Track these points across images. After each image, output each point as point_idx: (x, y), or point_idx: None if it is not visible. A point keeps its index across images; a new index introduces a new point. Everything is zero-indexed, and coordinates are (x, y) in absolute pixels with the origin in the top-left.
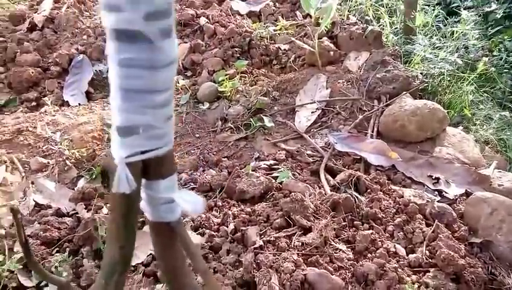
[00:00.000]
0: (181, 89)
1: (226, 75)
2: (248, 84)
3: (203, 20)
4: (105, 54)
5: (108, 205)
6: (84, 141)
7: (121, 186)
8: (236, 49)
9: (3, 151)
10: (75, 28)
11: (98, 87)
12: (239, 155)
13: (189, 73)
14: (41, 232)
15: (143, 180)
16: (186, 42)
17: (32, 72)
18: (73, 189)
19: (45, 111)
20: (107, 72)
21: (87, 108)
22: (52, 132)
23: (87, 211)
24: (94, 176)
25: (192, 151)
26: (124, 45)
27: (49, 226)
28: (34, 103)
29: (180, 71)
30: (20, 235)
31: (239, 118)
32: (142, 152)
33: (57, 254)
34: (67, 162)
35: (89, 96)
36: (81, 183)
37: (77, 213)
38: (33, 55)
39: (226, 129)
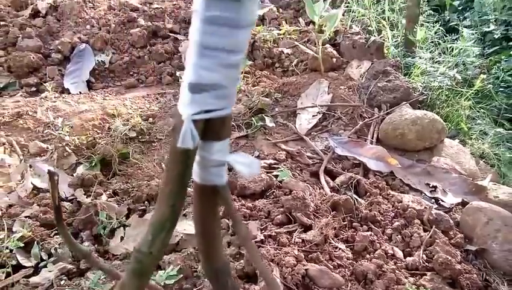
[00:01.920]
0: None
1: None
2: (250, 85)
3: None
4: (107, 45)
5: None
6: (85, 128)
7: (186, 142)
8: None
9: (2, 134)
10: (79, 18)
11: (99, 77)
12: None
13: None
14: (41, 214)
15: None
16: None
17: (33, 58)
18: (72, 175)
19: (46, 97)
20: (109, 62)
21: (88, 97)
22: (54, 118)
23: (87, 197)
24: (93, 164)
25: None
26: (213, 1)
27: (49, 209)
28: (33, 88)
29: (183, 67)
30: (54, 198)
31: (240, 117)
32: (208, 111)
33: (57, 237)
34: (66, 148)
35: (89, 85)
36: (80, 170)
37: (76, 198)
38: (35, 41)
39: None
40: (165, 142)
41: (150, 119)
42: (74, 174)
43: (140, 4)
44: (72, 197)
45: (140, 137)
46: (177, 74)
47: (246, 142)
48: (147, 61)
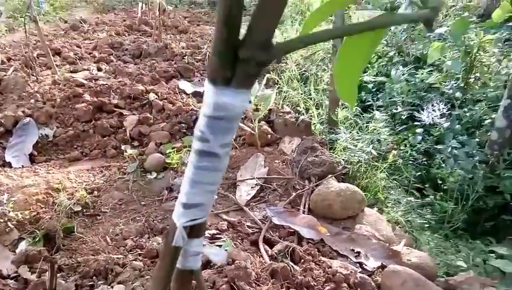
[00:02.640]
0: (128, 157)
1: (174, 148)
2: None
3: (152, 96)
4: (52, 119)
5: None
6: (28, 203)
7: (178, 241)
8: (183, 124)
9: None
10: (23, 92)
11: (42, 150)
12: None
13: (136, 143)
14: None
15: None
16: (135, 114)
17: None
18: (14, 252)
19: None
20: (53, 136)
21: (32, 170)
22: None
23: (31, 274)
24: (37, 239)
25: (138, 218)
26: (203, 158)
27: None
28: None
29: (127, 140)
30: (51, 284)
31: None
32: (193, 219)
33: None
34: (8, 223)
35: (32, 158)
36: (23, 245)
37: (19, 276)
38: None
39: (172, 198)
40: (110, 215)
41: (95, 193)
42: (16, 251)
43: (86, 80)
44: (15, 275)
45: (85, 211)
46: (122, 147)
47: None
48: (91, 134)
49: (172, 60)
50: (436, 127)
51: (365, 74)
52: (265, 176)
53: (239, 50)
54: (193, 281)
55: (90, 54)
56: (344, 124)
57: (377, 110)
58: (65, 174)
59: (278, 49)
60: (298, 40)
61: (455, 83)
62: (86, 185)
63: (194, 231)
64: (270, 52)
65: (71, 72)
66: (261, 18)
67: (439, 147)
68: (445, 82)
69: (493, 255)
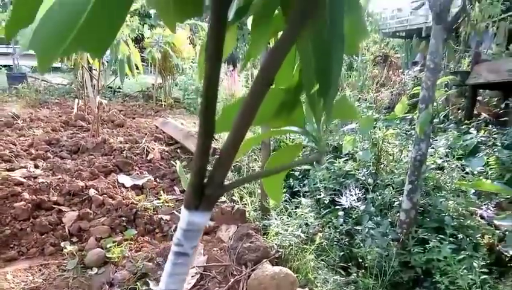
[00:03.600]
0: (67, 254)
1: (114, 242)
2: (134, 251)
3: (92, 192)
4: None
5: None
6: None
7: None
8: (123, 218)
9: None
10: None
11: None
12: None
13: (75, 239)
14: None
15: None
16: (74, 210)
17: None
18: None
19: None
20: None
21: None
22: None
23: None
24: None
25: None
26: (179, 257)
27: None
28: None
29: (66, 237)
30: None
31: (125, 282)
32: None
33: None
34: None
35: None
36: None
37: None
38: None
39: None
40: None
41: None
42: None
43: (24, 178)
44: None
45: None
46: (62, 244)
47: None
48: (29, 233)
49: (111, 155)
50: (355, 210)
51: None
52: (205, 264)
53: (205, 189)
54: None
55: (26, 151)
56: (275, 210)
57: (304, 195)
58: (2, 276)
59: (228, 186)
60: (240, 180)
61: (367, 171)
62: (24, 285)
63: None
64: (223, 189)
65: (8, 170)
66: (217, 170)
67: (358, 227)
68: (359, 170)
69: None
